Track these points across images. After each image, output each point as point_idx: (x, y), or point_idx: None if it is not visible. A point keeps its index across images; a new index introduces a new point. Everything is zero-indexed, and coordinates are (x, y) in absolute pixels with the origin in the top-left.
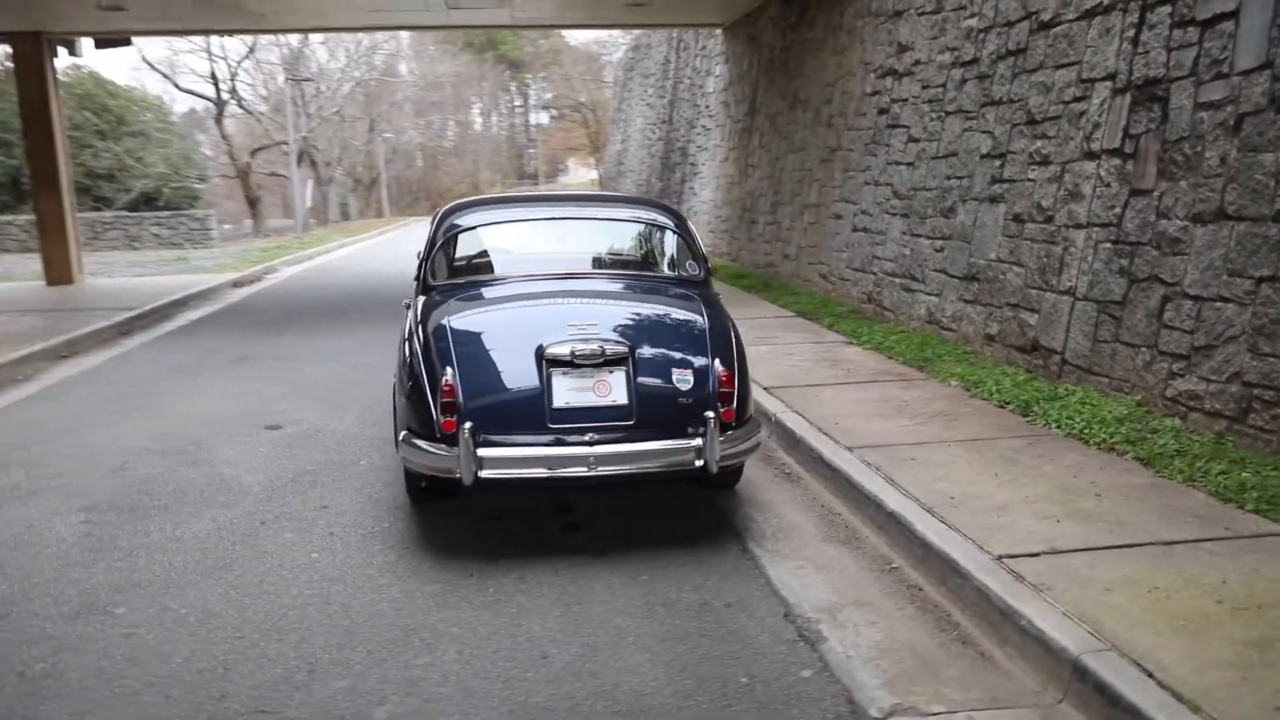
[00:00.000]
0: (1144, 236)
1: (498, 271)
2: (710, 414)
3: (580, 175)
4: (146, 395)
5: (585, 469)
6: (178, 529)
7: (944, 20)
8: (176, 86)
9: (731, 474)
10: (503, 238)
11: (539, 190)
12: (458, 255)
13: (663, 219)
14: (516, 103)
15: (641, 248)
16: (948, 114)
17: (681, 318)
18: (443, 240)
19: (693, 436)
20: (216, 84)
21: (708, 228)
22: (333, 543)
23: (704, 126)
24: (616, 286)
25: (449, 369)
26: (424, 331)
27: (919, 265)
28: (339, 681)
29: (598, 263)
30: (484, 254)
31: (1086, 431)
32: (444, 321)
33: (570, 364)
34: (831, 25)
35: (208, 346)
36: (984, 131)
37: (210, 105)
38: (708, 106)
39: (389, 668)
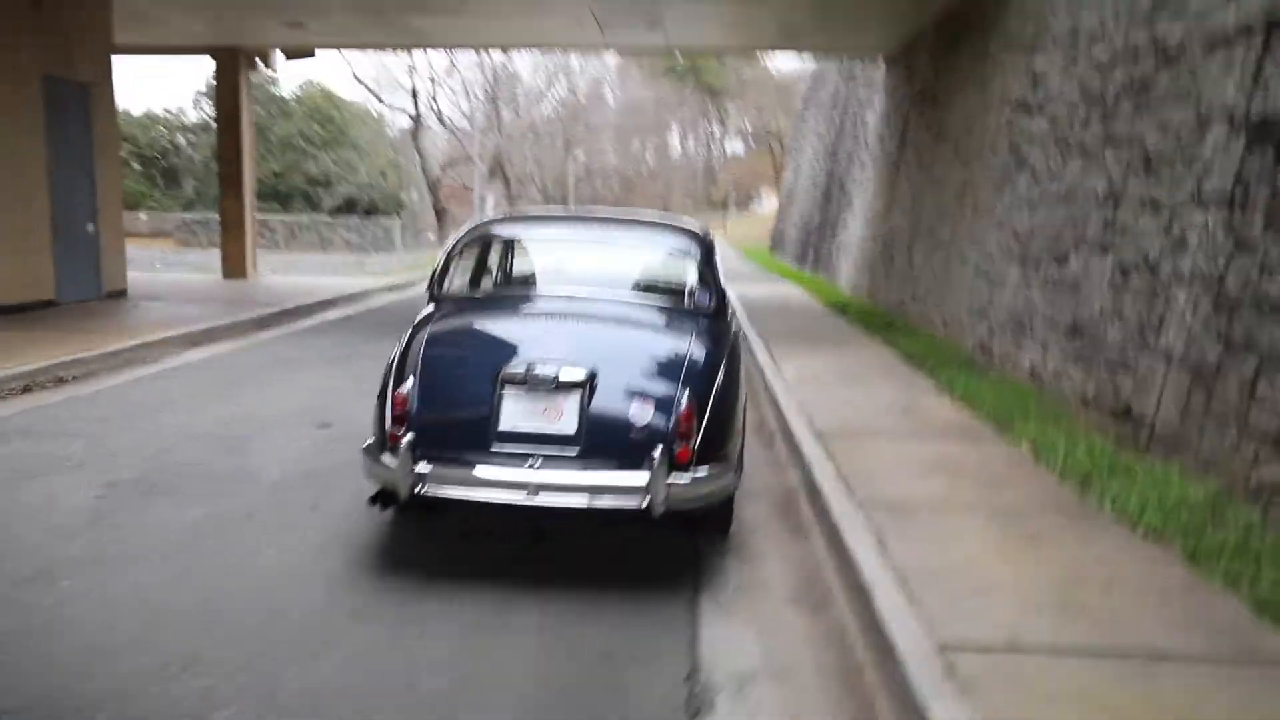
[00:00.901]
0: (1244, 296)
1: (499, 289)
2: (659, 449)
3: (771, 205)
4: (239, 384)
5: (525, 495)
6: (174, 512)
7: (1076, 52)
8: (379, 99)
9: (718, 519)
10: (516, 255)
11: (574, 209)
12: (467, 269)
13: (682, 245)
14: (715, 130)
15: (655, 273)
16: (1070, 152)
17: (663, 348)
18: (455, 253)
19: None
20: (415, 99)
21: (854, 264)
22: (298, 543)
23: (860, 160)
24: (611, 311)
25: (409, 380)
26: (403, 342)
27: (1029, 315)
28: (204, 680)
29: (604, 286)
30: (491, 269)
31: (1140, 515)
32: (423, 333)
33: (524, 386)
34: (977, 54)
35: (323, 345)
36: (1101, 172)
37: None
38: (865, 140)
39: (259, 673)
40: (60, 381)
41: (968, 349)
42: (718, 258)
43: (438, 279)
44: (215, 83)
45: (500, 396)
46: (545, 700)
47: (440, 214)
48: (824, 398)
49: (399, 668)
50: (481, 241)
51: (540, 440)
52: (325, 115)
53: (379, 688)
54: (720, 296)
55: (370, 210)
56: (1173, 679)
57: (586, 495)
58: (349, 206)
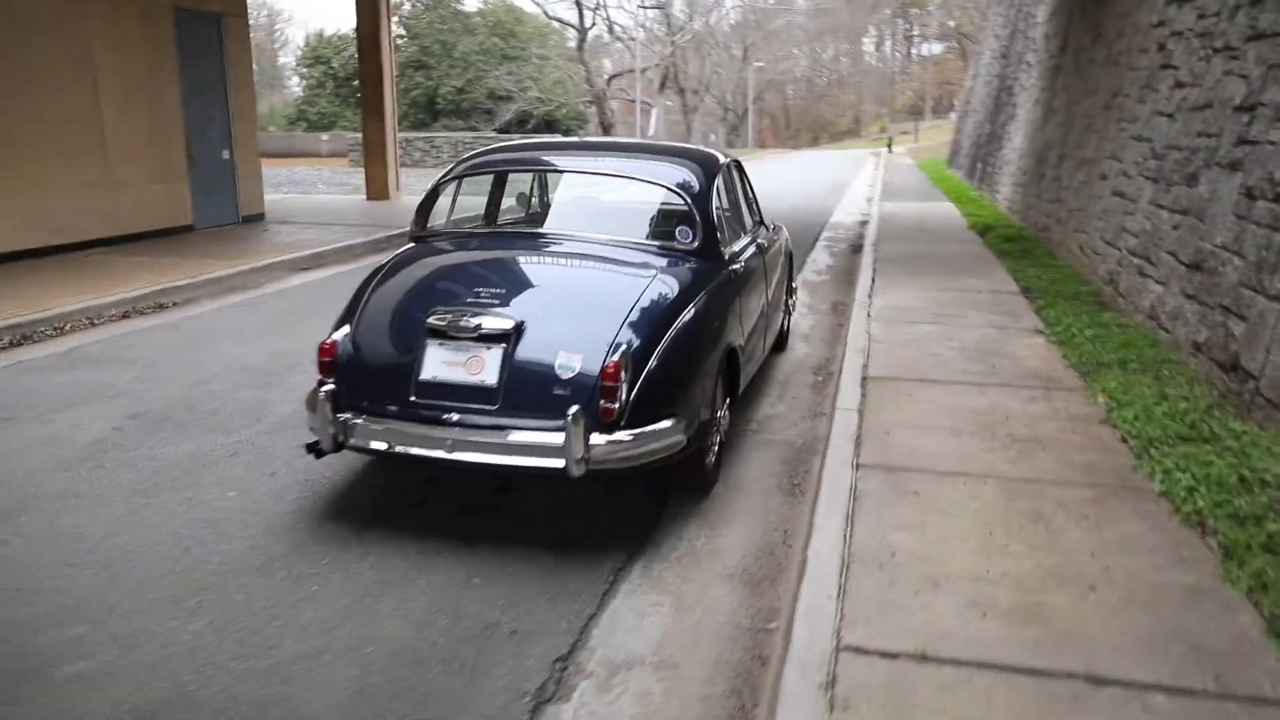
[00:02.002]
0: None
1: (474, 227)
2: (575, 407)
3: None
4: (310, 314)
5: (444, 451)
6: (171, 447)
7: None
8: (545, 15)
9: (693, 478)
10: (503, 191)
11: (574, 139)
12: (447, 205)
13: (677, 177)
14: (914, 31)
15: (644, 208)
16: (1214, 52)
17: (611, 293)
18: (439, 189)
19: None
20: (580, 9)
21: (1012, 180)
22: (264, 486)
23: (1026, 63)
24: (575, 250)
25: (346, 326)
26: (357, 286)
27: (1155, 244)
28: (76, 630)
29: (589, 221)
30: (472, 207)
31: (1188, 495)
32: (376, 277)
33: (447, 335)
34: None
35: None
36: (1240, 75)
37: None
38: (1033, 39)
39: (136, 626)
40: (160, 308)
41: (1098, 282)
42: (718, 189)
43: (418, 217)
44: (357, 8)
45: (424, 346)
46: (390, 676)
47: (607, 129)
48: (900, 335)
49: (269, 631)
50: (467, 177)
51: (461, 393)
52: (508, 30)
53: (239, 649)
54: (709, 233)
55: (549, 124)
56: (1101, 713)
57: (503, 453)
58: (521, 122)
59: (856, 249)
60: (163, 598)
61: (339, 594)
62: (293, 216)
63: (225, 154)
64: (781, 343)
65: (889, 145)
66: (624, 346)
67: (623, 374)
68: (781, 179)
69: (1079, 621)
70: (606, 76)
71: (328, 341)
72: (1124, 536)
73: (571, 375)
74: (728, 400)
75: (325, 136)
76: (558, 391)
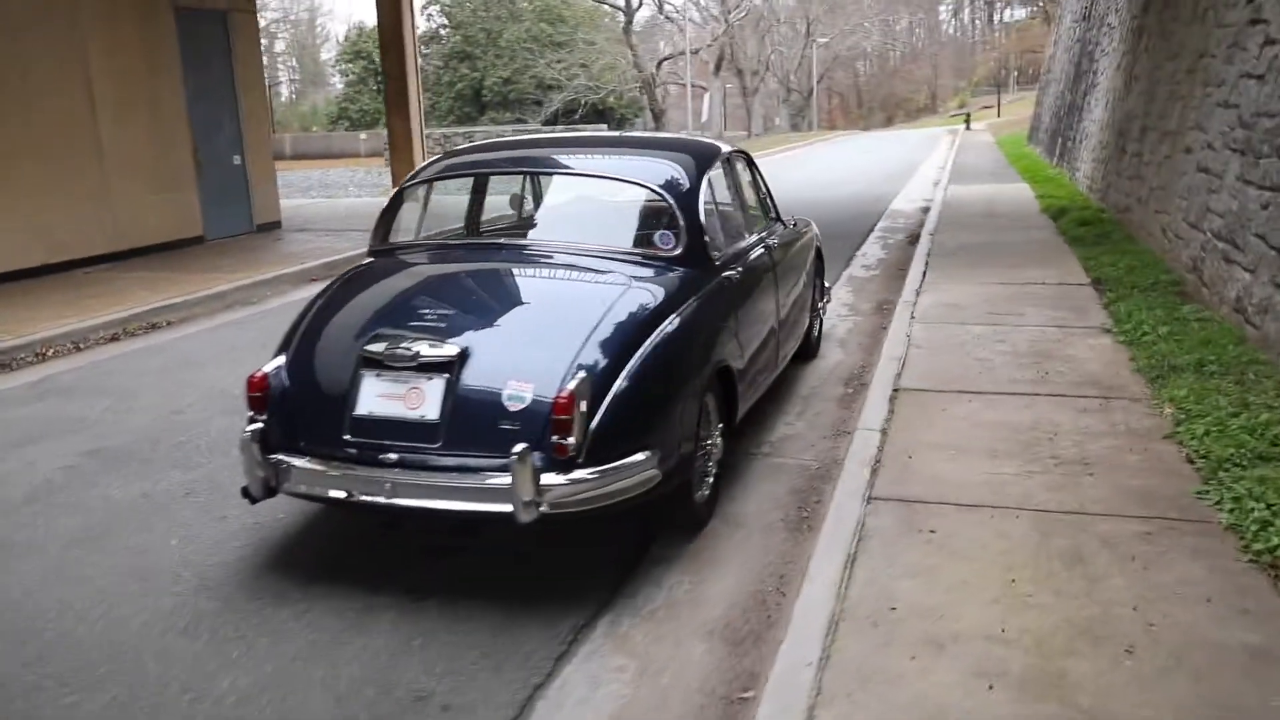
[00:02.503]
0: None
1: (436, 237)
2: (522, 444)
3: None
4: None
5: (382, 496)
6: (123, 487)
7: None
8: None
9: (681, 516)
10: (473, 195)
11: (553, 136)
12: (411, 214)
13: (653, 175)
14: None
15: (627, 210)
16: None
17: (574, 310)
18: (402, 196)
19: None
20: None
21: (1091, 156)
22: (211, 531)
23: (1108, 24)
24: (539, 260)
25: (282, 356)
26: (299, 311)
27: (1242, 226)
28: None
29: (564, 227)
30: (439, 214)
31: (1261, 530)
32: (320, 299)
33: (383, 365)
34: None
35: None
36: None
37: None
38: (1116, 2)
39: (18, 704)
40: (152, 328)
41: (1180, 270)
42: (709, 187)
43: (378, 229)
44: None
45: (360, 377)
46: None
47: (658, 116)
48: (944, 339)
49: (184, 702)
50: (434, 181)
51: (399, 430)
52: (555, 15)
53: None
54: (694, 237)
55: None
56: None
57: (447, 497)
58: (569, 112)
59: (914, 239)
60: (65, 669)
61: (265, 659)
62: (312, 223)
63: (236, 160)
64: (810, 350)
65: (966, 122)
66: (583, 373)
67: (578, 405)
68: (843, 163)
69: (1107, 695)
70: (656, 60)
71: (258, 374)
72: (1178, 582)
73: (521, 407)
74: (723, 425)
75: (363, 135)
76: (506, 426)
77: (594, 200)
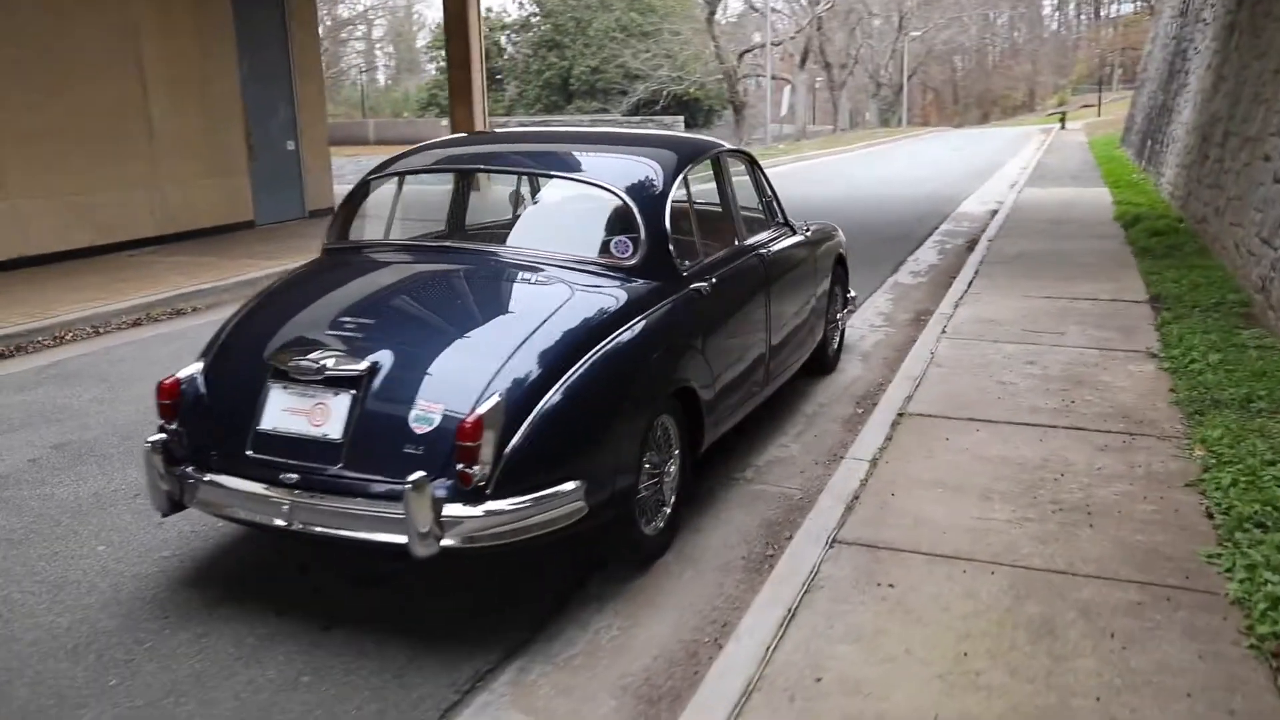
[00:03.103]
0: None
1: (375, 236)
2: (419, 472)
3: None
4: None
5: (281, 519)
6: (74, 485)
7: None
8: None
9: (626, 545)
10: (459, 192)
11: (520, 131)
12: (361, 213)
13: (615, 176)
14: None
15: (581, 215)
16: None
17: (504, 323)
18: (353, 194)
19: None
20: None
21: (1176, 161)
22: (140, 537)
23: (1203, 20)
24: (484, 267)
25: (200, 361)
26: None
27: None
28: None
29: (506, 233)
30: (378, 214)
31: (1269, 610)
32: (250, 303)
33: (289, 378)
34: None
35: None
36: None
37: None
38: None
39: None
40: (176, 313)
41: (1249, 289)
42: (674, 191)
43: (334, 225)
44: None
45: (267, 389)
46: None
47: (739, 108)
48: (970, 358)
49: None
50: (390, 177)
51: (302, 448)
52: (646, 4)
53: None
54: (655, 245)
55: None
56: None
57: (344, 524)
58: (650, 103)
59: (973, 245)
60: None
61: (141, 690)
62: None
63: (290, 145)
64: (826, 364)
65: (1061, 121)
66: (498, 395)
67: (486, 430)
68: (924, 161)
69: None
70: (738, 51)
71: (169, 379)
72: (1157, 668)
73: (428, 430)
74: (682, 451)
75: (444, 122)
76: (410, 451)
77: (552, 203)
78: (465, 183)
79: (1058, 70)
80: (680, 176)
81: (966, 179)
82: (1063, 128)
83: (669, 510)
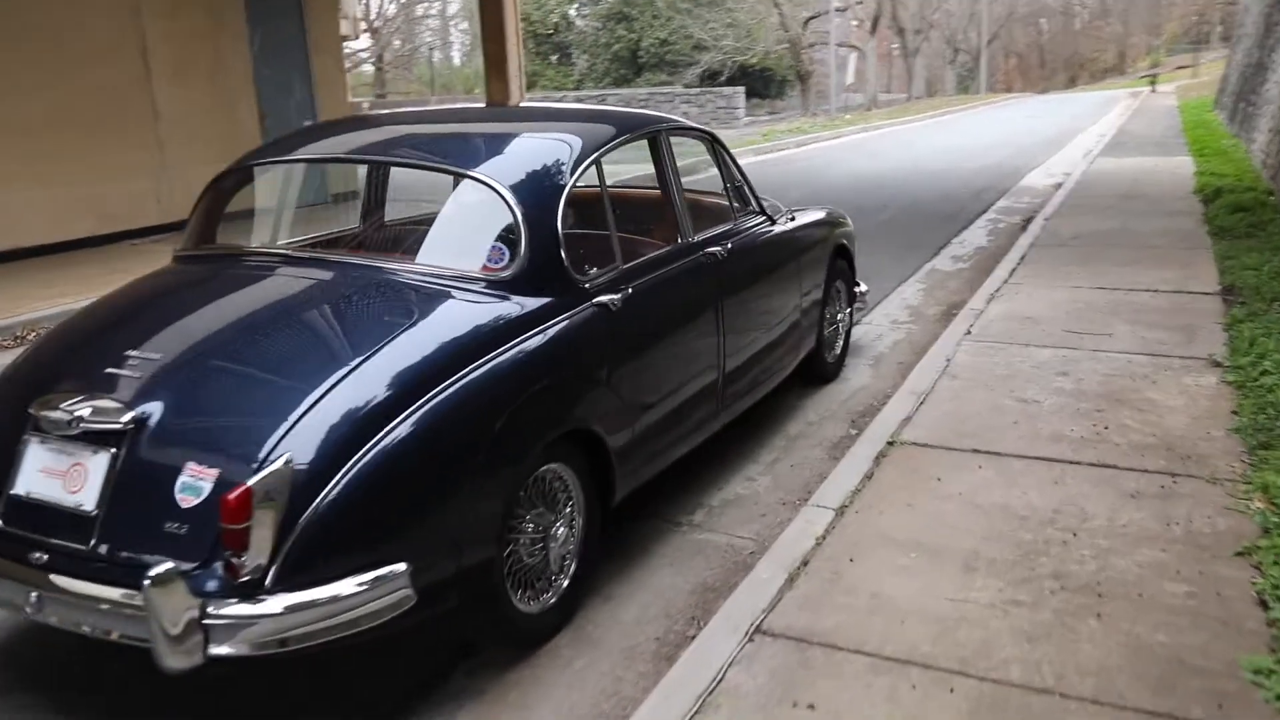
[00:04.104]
0: None
1: (226, 241)
2: (166, 564)
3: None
4: None
5: (28, 607)
6: None
7: None
8: None
9: (495, 628)
10: (286, 190)
11: (398, 112)
12: (222, 213)
13: (497, 167)
14: None
15: (447, 216)
16: None
17: (311, 362)
18: (217, 190)
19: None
20: None
21: (1269, 126)
22: None
23: None
24: (310, 287)
25: None
26: None
27: None
28: None
29: (362, 239)
30: (234, 215)
31: None
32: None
33: (45, 432)
34: None
35: None
36: None
37: None
38: None
39: None
40: None
41: None
42: (574, 182)
43: (190, 227)
44: None
45: (25, 442)
46: None
47: (804, 78)
48: (992, 366)
49: None
50: (250, 172)
51: (55, 519)
52: None
53: None
54: (541, 251)
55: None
56: None
57: (100, 620)
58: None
59: (1029, 223)
60: None
61: None
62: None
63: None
64: (824, 372)
65: (1152, 84)
66: (286, 456)
67: (259, 508)
68: (997, 130)
69: None
70: (804, 18)
71: None
72: None
73: (197, 502)
74: (588, 505)
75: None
76: (173, 528)
77: (421, 200)
78: (378, 175)
79: (1150, 30)
80: (589, 162)
81: (1037, 148)
82: (1153, 91)
83: (564, 582)
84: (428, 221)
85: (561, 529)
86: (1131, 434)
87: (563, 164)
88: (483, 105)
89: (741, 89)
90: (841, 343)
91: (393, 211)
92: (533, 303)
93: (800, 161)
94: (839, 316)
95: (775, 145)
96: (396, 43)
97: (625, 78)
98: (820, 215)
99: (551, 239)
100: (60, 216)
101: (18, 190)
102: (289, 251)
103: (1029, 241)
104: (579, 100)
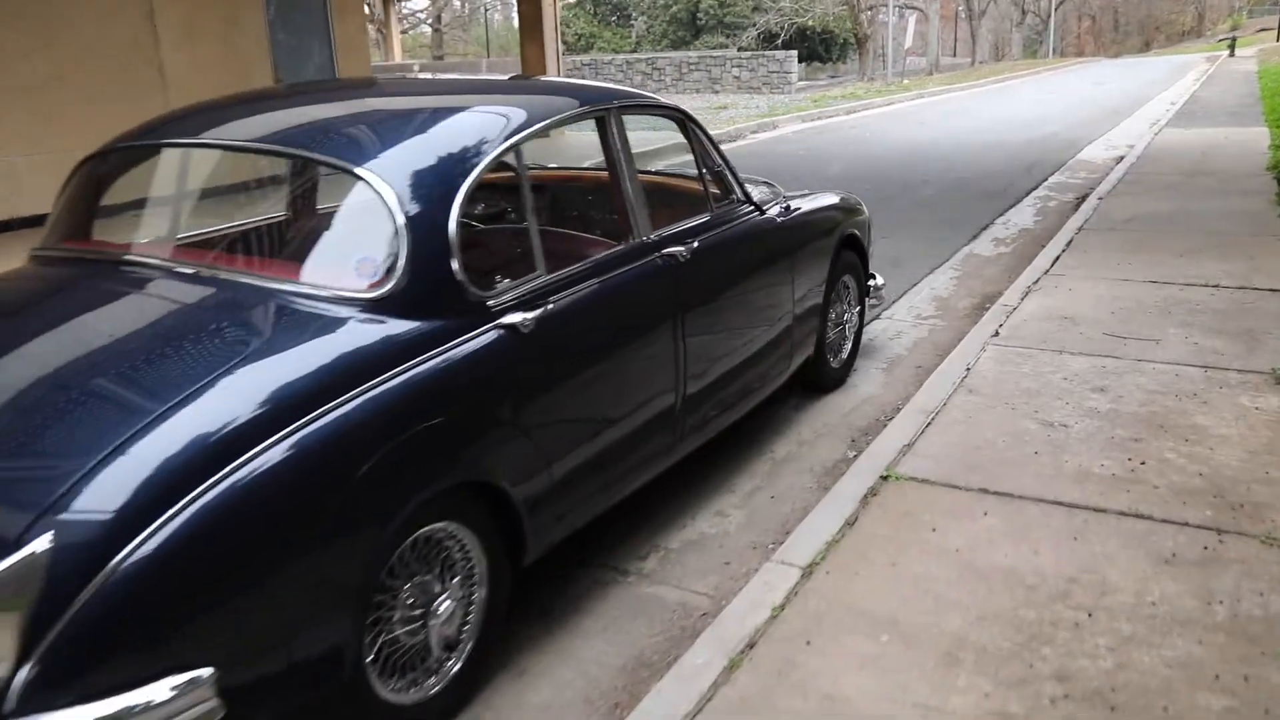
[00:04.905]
0: None
1: (85, 242)
2: None
3: None
4: None
5: None
6: None
7: None
8: None
9: None
10: (157, 179)
11: (280, 87)
12: (91, 204)
13: (380, 155)
14: None
15: (318, 215)
16: None
17: (113, 406)
18: (85, 177)
19: None
20: None
21: None
22: None
23: None
24: (146, 303)
25: None
26: None
27: None
28: None
29: (224, 242)
30: (122, 205)
31: None
32: None
33: None
34: None
35: None
36: None
37: None
38: None
39: None
40: None
41: None
42: (478, 172)
43: (52, 219)
44: None
45: None
46: None
47: (861, 41)
48: (1017, 379)
49: None
50: (123, 157)
51: None
52: None
53: None
54: (427, 262)
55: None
56: None
57: None
58: (769, 39)
59: (1081, 202)
60: None
61: None
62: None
63: None
64: (826, 379)
65: (1231, 48)
66: (49, 537)
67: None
68: (1060, 97)
69: None
70: None
71: None
72: None
73: None
74: (494, 570)
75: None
76: None
77: (287, 196)
78: (260, 163)
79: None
80: (500, 152)
81: (1101, 118)
82: (1231, 55)
83: (456, 665)
84: (308, 222)
85: (447, 603)
86: (1173, 473)
87: (467, 153)
88: (416, 77)
89: (794, 53)
90: (850, 346)
91: (276, 206)
92: (413, 327)
93: (845, 130)
94: (846, 317)
95: (823, 112)
96: (456, 3)
97: (683, 39)
98: (827, 201)
99: (441, 247)
100: (56, 187)
101: (18, 158)
102: (145, 256)
103: (1077, 225)
104: (627, 63)
